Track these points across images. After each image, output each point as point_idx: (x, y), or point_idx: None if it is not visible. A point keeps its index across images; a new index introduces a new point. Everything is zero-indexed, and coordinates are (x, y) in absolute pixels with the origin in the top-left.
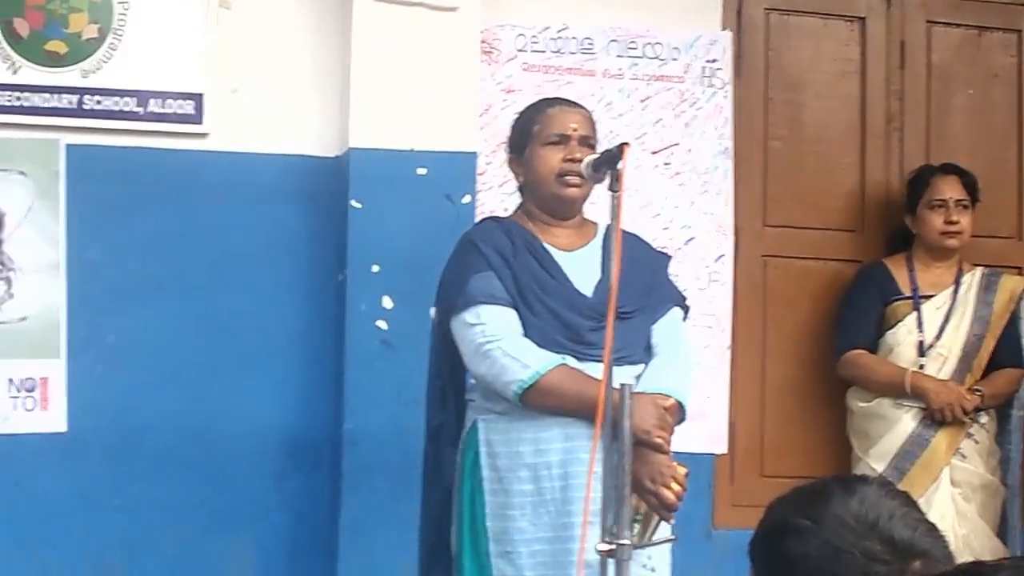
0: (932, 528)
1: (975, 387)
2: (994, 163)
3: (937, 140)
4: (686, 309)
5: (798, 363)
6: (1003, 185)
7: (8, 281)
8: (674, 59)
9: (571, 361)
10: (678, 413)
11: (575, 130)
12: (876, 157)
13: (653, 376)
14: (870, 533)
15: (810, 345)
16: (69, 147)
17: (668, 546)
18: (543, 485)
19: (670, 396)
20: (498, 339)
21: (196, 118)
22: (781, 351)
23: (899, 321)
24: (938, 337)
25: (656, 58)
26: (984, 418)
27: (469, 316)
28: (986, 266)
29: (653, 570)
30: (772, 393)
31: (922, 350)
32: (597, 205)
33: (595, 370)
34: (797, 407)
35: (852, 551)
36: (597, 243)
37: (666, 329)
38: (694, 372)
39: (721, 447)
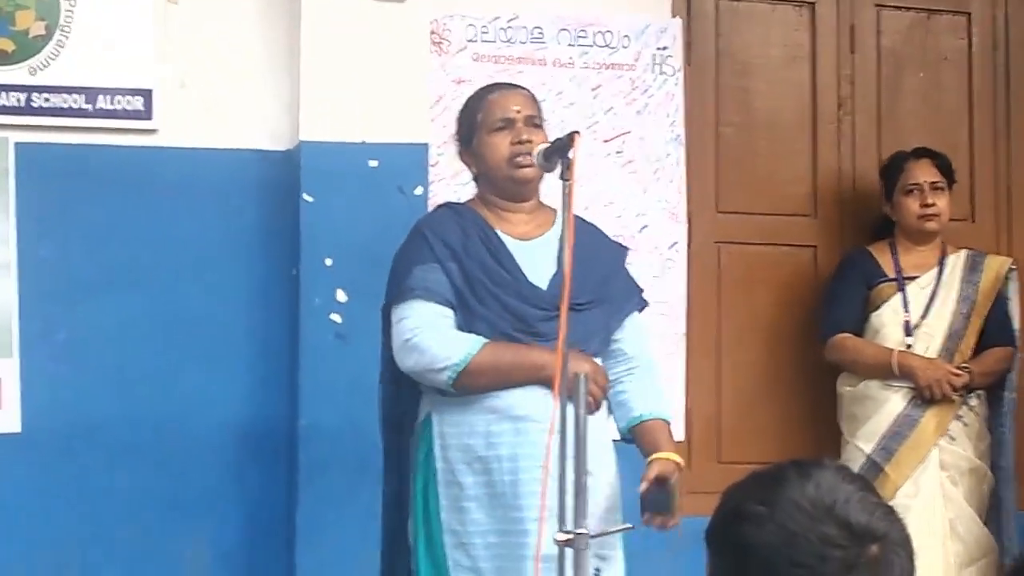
0: (889, 511)
1: (963, 365)
2: (945, 146)
3: (888, 124)
4: (644, 304)
5: (753, 349)
6: (955, 168)
7: None
8: (624, 47)
9: None
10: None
11: (518, 112)
12: (828, 142)
13: (640, 400)
14: (826, 517)
15: (765, 330)
16: (18, 145)
17: (615, 537)
18: (494, 478)
19: (665, 421)
20: (419, 328)
21: (145, 114)
22: (736, 337)
23: (884, 302)
24: (924, 317)
25: (607, 46)
26: (974, 400)
27: (401, 310)
28: (971, 249)
29: (604, 559)
30: (728, 379)
31: (908, 330)
32: (551, 194)
33: None
34: (753, 393)
35: (808, 536)
36: (554, 233)
37: (635, 338)
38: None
39: (678, 434)
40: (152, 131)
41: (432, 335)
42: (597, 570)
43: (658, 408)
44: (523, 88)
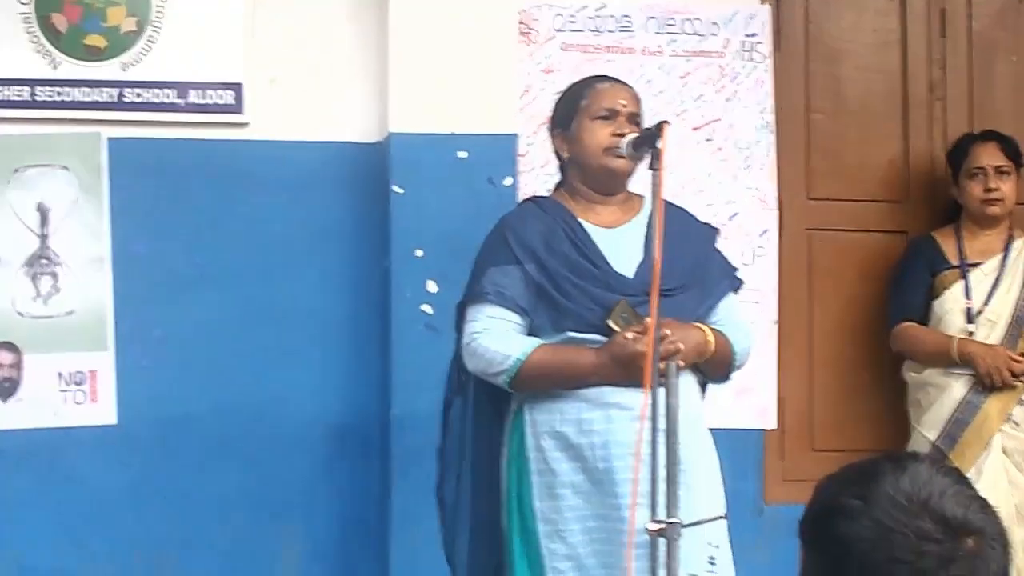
0: (984, 505)
1: None
2: None
3: (980, 108)
4: (739, 284)
5: (845, 336)
6: None
7: (55, 275)
8: (713, 34)
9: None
10: (723, 348)
11: (624, 106)
12: (919, 127)
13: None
14: (922, 512)
15: (857, 317)
16: (110, 140)
17: (724, 523)
18: (588, 465)
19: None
20: (479, 333)
21: (236, 108)
22: (828, 324)
23: (946, 289)
24: (986, 303)
25: (695, 34)
26: None
27: (471, 311)
28: None
29: (717, 546)
30: (820, 367)
31: (970, 317)
32: (640, 182)
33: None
34: (846, 380)
35: (904, 531)
36: (642, 219)
37: (730, 318)
38: (751, 349)
39: (771, 422)
40: (243, 124)
41: (490, 339)
42: (712, 558)
43: (733, 335)
44: (631, 87)
